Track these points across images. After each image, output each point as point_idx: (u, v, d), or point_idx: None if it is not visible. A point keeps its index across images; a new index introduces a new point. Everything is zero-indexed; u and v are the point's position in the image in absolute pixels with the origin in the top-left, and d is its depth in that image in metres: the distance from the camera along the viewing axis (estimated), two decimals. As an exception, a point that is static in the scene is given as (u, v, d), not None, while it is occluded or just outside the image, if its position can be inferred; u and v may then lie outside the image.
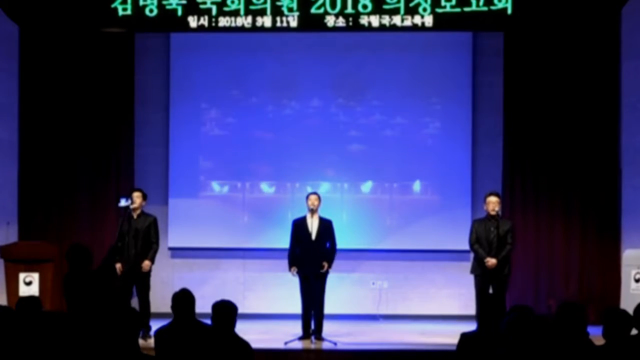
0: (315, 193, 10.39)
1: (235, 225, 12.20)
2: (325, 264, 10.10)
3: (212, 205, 12.23)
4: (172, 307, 6.13)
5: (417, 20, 10.87)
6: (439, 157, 12.13)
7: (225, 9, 10.85)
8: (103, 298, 6.34)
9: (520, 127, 11.85)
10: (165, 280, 11.70)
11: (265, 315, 11.78)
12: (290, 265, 10.17)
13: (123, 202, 10.31)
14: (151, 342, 6.35)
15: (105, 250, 11.14)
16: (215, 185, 12.27)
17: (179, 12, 10.88)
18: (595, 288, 11.68)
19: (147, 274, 10.15)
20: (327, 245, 10.18)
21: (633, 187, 11.55)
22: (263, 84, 12.20)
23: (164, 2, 10.93)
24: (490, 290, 10.00)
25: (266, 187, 12.25)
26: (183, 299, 6.14)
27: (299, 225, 10.24)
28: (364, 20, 10.86)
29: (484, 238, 10.04)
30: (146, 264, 10.10)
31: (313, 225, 10.16)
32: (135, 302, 10.11)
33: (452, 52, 12.13)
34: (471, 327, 9.91)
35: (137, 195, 10.21)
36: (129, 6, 10.97)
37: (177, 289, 6.30)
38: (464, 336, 5.91)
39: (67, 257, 8.13)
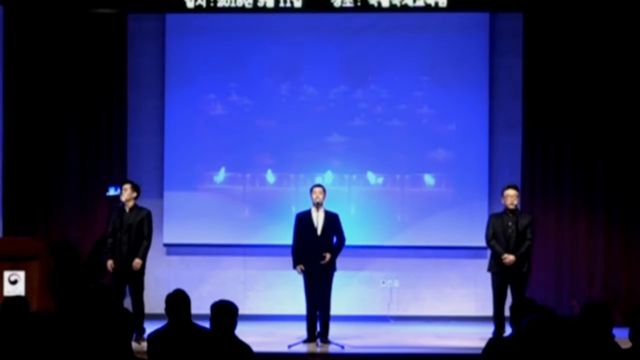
0: (320, 185, 10.38)
1: (235, 219, 12.21)
2: (327, 255, 10.04)
3: (211, 198, 12.24)
4: (166, 309, 6.13)
5: (431, 0, 10.84)
6: (453, 146, 12.11)
7: (225, -12, 10.85)
8: (92, 295, 6.34)
9: (540, 115, 11.83)
10: (160, 279, 11.71)
11: (268, 316, 11.81)
12: (296, 262, 10.18)
13: (112, 192, 10.31)
14: (145, 345, 6.35)
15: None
16: (214, 177, 12.27)
17: (175, -8, 10.88)
18: (621, 287, 11.67)
19: (141, 273, 10.16)
20: (334, 239, 10.17)
21: (662, 179, 11.57)
22: (265, 68, 12.19)
23: (159, -19, 10.95)
24: (509, 290, 10.03)
25: (268, 179, 12.24)
26: (177, 301, 6.13)
27: (303, 220, 10.24)
28: (373, 0, 10.83)
29: (502, 233, 10.05)
30: (136, 262, 10.08)
31: (318, 219, 10.16)
32: (128, 303, 10.12)
33: (468, 34, 12.11)
34: (489, 329, 10.01)
35: (126, 187, 10.20)
36: (121, -15, 10.99)
37: (173, 288, 6.30)
38: (493, 340, 5.95)
39: (52, 254, 8.15)
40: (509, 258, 9.93)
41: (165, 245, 12.13)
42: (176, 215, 12.15)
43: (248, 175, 12.26)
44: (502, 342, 5.99)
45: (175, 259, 12.27)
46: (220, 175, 12.26)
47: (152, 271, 11.00)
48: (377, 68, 12.16)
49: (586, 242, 11.78)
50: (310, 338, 10.05)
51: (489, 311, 10.39)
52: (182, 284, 7.10)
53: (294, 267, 10.18)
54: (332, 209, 10.33)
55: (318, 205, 10.17)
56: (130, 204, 10.20)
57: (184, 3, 10.88)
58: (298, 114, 12.19)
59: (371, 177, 12.19)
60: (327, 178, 11.96)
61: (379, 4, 10.84)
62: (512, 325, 5.93)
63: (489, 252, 10.36)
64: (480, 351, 5.86)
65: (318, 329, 10.07)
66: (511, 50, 12.03)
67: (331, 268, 10.12)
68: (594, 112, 11.72)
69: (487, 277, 10.24)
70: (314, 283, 10.09)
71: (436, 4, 10.85)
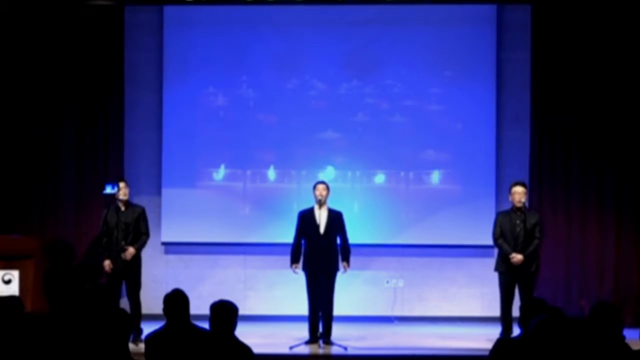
0: (323, 182, 10.39)
1: (235, 217, 12.20)
2: (346, 265, 10.13)
3: (210, 195, 12.23)
4: (164, 309, 6.14)
5: (436, -9, 10.86)
6: (459, 142, 12.09)
7: (224, -21, 10.85)
8: (88, 295, 6.34)
9: (549, 109, 11.82)
10: (158, 278, 11.71)
11: (269, 317, 11.81)
12: (293, 261, 10.19)
13: (109, 190, 10.30)
14: (142, 346, 6.35)
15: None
16: (213, 174, 12.26)
17: (173, -17, 10.88)
18: (632, 287, 11.66)
19: (138, 272, 10.18)
20: (338, 240, 10.18)
21: (675, 176, 11.55)
22: (266, 62, 12.18)
23: (157, -28, 10.94)
24: (517, 290, 10.02)
25: (269, 176, 12.23)
26: (176, 301, 6.14)
27: (306, 218, 10.24)
28: (376, -8, 10.83)
29: (509, 232, 10.05)
30: (130, 251, 10.10)
31: (321, 217, 10.16)
32: (125, 303, 10.12)
33: (474, 27, 12.08)
34: (496, 329, 10.01)
35: (124, 186, 10.24)
36: (117, -24, 10.98)
37: (171, 287, 6.30)
38: (500, 341, 5.95)
39: (48, 253, 8.16)
40: (517, 257, 9.93)
41: (164, 243, 12.12)
42: (175, 213, 12.14)
43: (248, 172, 12.24)
44: (510, 342, 5.99)
45: (173, 258, 12.27)
46: (220, 172, 12.25)
47: (150, 270, 11.01)
48: (381, 62, 12.13)
49: (596, 240, 11.77)
50: (313, 339, 10.06)
51: (496, 311, 10.39)
52: (180, 284, 7.11)
53: (290, 265, 10.20)
54: (335, 206, 10.33)
55: (321, 202, 10.17)
56: (126, 202, 10.24)
57: (183, -5, 10.90)
58: (300, 109, 12.17)
59: (375, 174, 12.17)
60: (329, 175, 11.95)
61: (383, -5, 10.85)
62: (521, 326, 5.92)
63: (496, 250, 10.36)
64: (487, 352, 5.87)
65: (320, 329, 10.07)
66: (519, 43, 12.01)
67: (334, 268, 10.13)
68: (604, 106, 11.70)
69: (494, 277, 10.23)
70: (317, 283, 10.10)
71: (442, -5, 10.86)
